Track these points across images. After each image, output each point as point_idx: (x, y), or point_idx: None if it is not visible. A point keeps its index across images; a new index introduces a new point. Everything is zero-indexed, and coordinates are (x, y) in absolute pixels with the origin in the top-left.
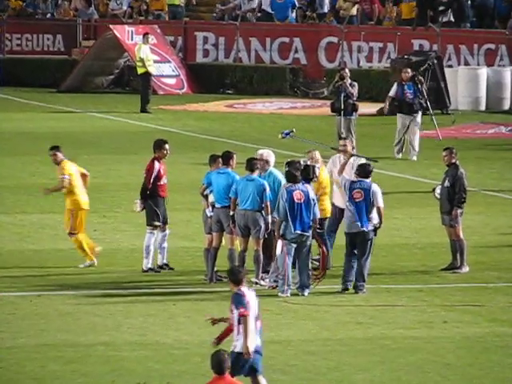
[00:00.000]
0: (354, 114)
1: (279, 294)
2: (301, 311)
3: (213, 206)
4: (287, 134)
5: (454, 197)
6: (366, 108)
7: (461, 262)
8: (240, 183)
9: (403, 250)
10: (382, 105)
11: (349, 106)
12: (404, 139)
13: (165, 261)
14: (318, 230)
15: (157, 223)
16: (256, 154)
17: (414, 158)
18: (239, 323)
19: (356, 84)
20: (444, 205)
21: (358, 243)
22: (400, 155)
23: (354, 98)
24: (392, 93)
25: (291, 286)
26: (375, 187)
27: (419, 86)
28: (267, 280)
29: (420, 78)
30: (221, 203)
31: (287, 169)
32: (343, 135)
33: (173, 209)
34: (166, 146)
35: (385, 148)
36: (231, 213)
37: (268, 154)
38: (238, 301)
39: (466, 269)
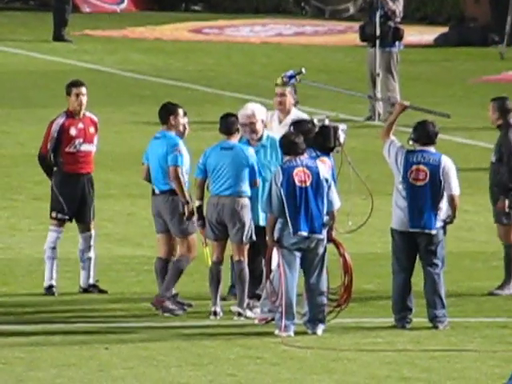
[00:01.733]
0: (396, 43)
1: (276, 331)
2: (311, 360)
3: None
4: (292, 76)
5: (502, 178)
6: (418, 35)
7: (508, 279)
8: (210, 154)
9: (476, 262)
10: (441, 29)
11: (388, 31)
12: None
13: (91, 280)
14: (337, 230)
15: (58, 215)
16: (238, 111)
17: None
18: None
19: None
20: (493, 190)
21: (423, 249)
22: None
23: (398, 19)
24: None
25: (295, 320)
26: (447, 162)
27: None
28: (257, 310)
29: None
30: (159, 187)
31: (285, 133)
32: (379, 77)
33: (105, 195)
34: (82, 90)
35: (448, 98)
36: (196, 203)
37: (259, 110)
38: None
39: (510, 290)
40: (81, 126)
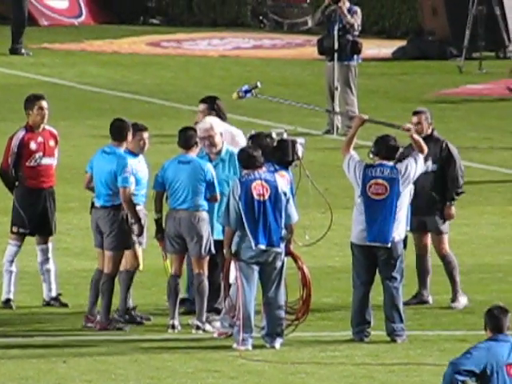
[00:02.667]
0: (354, 57)
1: (234, 345)
2: (269, 373)
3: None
4: (247, 91)
5: (444, 186)
6: (375, 48)
7: (454, 289)
8: (168, 168)
9: (435, 275)
10: (400, 42)
11: (347, 44)
12: None
13: (53, 293)
14: (295, 243)
15: (20, 230)
16: (197, 125)
17: None
18: None
19: (359, 10)
20: (425, 200)
21: (381, 263)
22: None
23: (356, 33)
24: None
25: (253, 334)
26: (400, 165)
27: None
28: (216, 324)
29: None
30: (100, 201)
31: (243, 147)
32: (337, 90)
33: (64, 209)
34: (43, 104)
35: (406, 111)
36: (155, 216)
37: (217, 123)
38: None
39: (464, 300)
40: (40, 139)
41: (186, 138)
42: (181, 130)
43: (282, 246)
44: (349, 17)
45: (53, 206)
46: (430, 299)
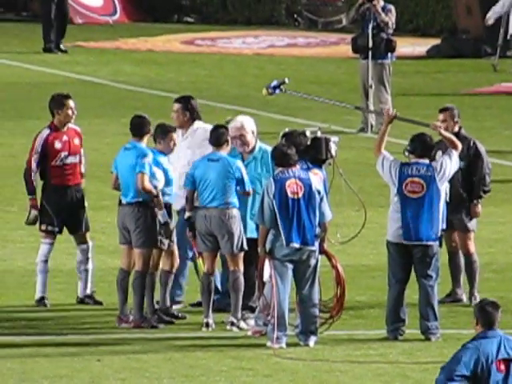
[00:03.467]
0: (388, 55)
1: (268, 343)
2: (303, 371)
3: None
4: (276, 87)
5: (471, 184)
6: (410, 46)
7: (471, 290)
8: (198, 166)
9: None
10: (434, 41)
11: (381, 42)
12: None
13: (88, 291)
14: (329, 241)
15: (48, 228)
16: (227, 123)
17: None
18: None
19: (393, 8)
20: (454, 197)
21: (417, 261)
22: None
23: (390, 31)
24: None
25: (288, 332)
26: (437, 164)
27: None
28: (251, 321)
29: None
30: (126, 198)
31: (277, 145)
32: (371, 89)
33: (97, 207)
34: (70, 104)
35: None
36: (186, 214)
37: (248, 122)
38: None
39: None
40: (65, 138)
41: (217, 136)
42: (212, 128)
43: (316, 244)
44: (383, 15)
45: (80, 203)
46: (464, 297)
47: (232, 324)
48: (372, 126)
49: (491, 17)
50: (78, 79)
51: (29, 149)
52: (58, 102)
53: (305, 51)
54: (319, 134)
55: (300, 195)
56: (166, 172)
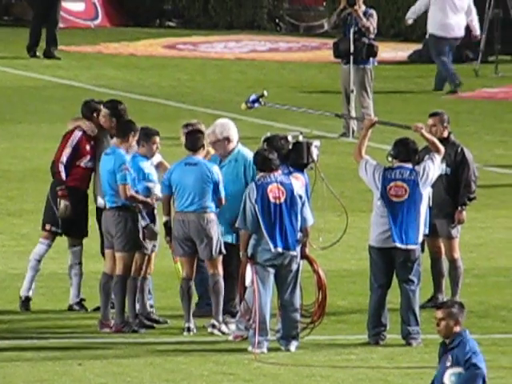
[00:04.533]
0: (370, 60)
1: (249, 348)
2: (284, 376)
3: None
4: (255, 101)
5: (456, 190)
6: (392, 51)
7: (453, 295)
8: (175, 170)
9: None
10: (415, 46)
11: (362, 47)
12: None
13: (76, 298)
14: (311, 246)
15: (52, 228)
16: (207, 128)
17: None
18: None
19: (374, 13)
20: (436, 204)
21: (399, 265)
22: None
23: (372, 36)
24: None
25: (269, 337)
26: (419, 168)
27: None
28: (232, 326)
29: None
30: (107, 202)
31: (259, 150)
32: (353, 93)
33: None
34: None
35: (422, 114)
36: (164, 219)
37: (227, 126)
38: None
39: None
40: (92, 143)
41: (193, 140)
42: (188, 132)
43: (298, 249)
44: (364, 20)
45: (86, 207)
46: None
47: (213, 327)
48: (354, 131)
49: (410, 17)
50: (60, 83)
51: (11, 152)
52: (88, 108)
53: (286, 56)
54: (301, 138)
55: (282, 200)
56: (148, 177)
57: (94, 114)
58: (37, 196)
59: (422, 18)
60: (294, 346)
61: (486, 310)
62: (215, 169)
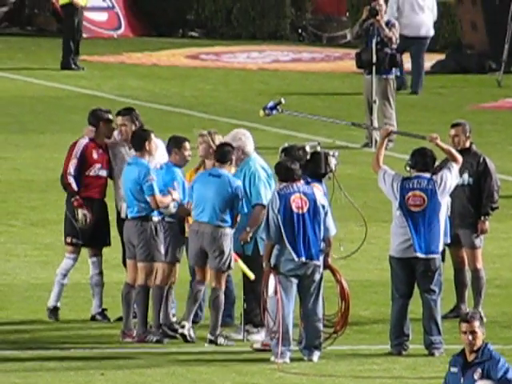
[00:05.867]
0: (393, 70)
1: (272, 358)
2: None
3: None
4: (272, 108)
5: (479, 200)
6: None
7: (476, 306)
8: (198, 179)
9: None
10: (439, 56)
11: (385, 57)
12: None
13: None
14: (333, 256)
15: (73, 240)
16: (226, 137)
17: None
18: None
19: (397, 23)
20: (459, 214)
21: (420, 275)
22: None
23: (394, 46)
24: None
25: (291, 347)
26: (437, 177)
27: None
28: (254, 336)
29: None
30: (130, 212)
31: (280, 160)
32: (375, 104)
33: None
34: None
35: (444, 125)
36: (187, 229)
37: (238, 135)
38: None
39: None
40: (101, 151)
41: (222, 153)
42: (218, 144)
43: (321, 258)
44: (387, 30)
45: (105, 216)
46: None
47: (210, 342)
48: (376, 142)
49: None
50: (83, 93)
51: (34, 162)
52: (95, 116)
53: (309, 66)
54: (319, 148)
55: (305, 210)
56: (183, 185)
57: (101, 123)
58: (59, 206)
59: (446, 28)
60: (316, 356)
61: (509, 321)
62: (237, 183)
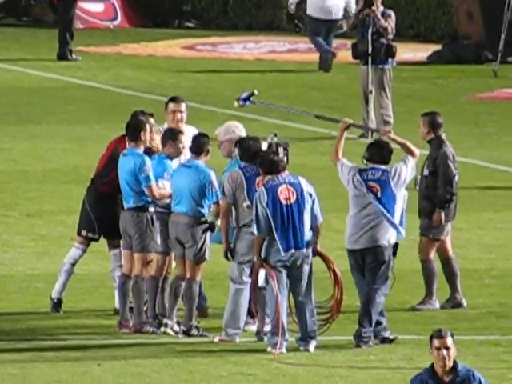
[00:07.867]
0: (389, 61)
1: (268, 348)
2: (303, 377)
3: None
4: (246, 99)
5: (435, 191)
6: (411, 52)
7: (428, 294)
8: (174, 172)
9: (469, 279)
10: (435, 47)
11: (381, 48)
12: None
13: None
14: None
15: (89, 235)
16: (217, 131)
17: None
18: None
19: (393, 13)
20: (422, 204)
21: (367, 266)
22: None
23: (390, 36)
24: None
25: (287, 337)
26: (393, 169)
27: None
28: (251, 327)
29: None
30: (126, 203)
31: (262, 153)
32: (371, 94)
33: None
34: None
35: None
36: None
37: (231, 128)
38: None
39: (437, 304)
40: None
41: (197, 144)
42: (194, 135)
43: (310, 248)
44: (382, 21)
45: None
46: (464, 302)
47: (184, 333)
48: (372, 133)
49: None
50: (79, 84)
51: (30, 153)
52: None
53: (305, 57)
54: (272, 139)
55: (292, 201)
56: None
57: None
58: (56, 197)
59: (442, 18)
60: (312, 345)
61: (506, 311)
62: (207, 171)
